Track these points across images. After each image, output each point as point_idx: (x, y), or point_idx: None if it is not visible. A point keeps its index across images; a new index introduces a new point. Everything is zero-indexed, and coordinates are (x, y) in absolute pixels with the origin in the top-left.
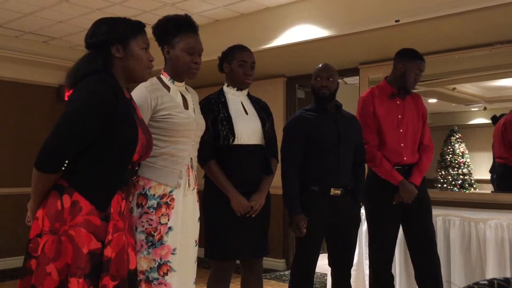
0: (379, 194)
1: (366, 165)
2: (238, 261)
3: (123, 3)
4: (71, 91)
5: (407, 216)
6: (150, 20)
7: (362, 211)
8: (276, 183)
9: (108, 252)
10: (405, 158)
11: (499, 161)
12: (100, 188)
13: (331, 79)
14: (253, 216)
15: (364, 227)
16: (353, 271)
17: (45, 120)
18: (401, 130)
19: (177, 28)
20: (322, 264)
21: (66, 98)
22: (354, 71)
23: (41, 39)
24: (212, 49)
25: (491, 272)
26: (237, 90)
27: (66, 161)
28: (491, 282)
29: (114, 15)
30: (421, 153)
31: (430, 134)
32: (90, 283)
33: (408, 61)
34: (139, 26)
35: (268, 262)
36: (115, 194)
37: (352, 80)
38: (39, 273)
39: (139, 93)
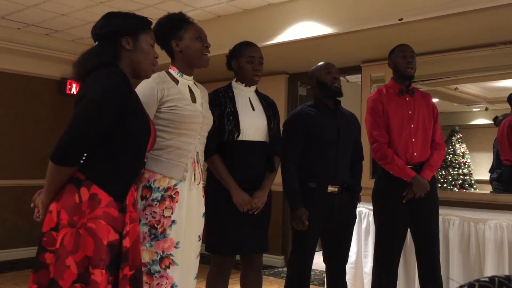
0: (390, 195)
1: (367, 164)
2: (238, 257)
3: None
4: (75, 82)
5: (415, 218)
6: (153, 14)
7: (359, 209)
8: (276, 180)
9: (127, 242)
10: (415, 154)
11: (507, 163)
12: (118, 179)
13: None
14: (255, 213)
15: (363, 224)
16: (351, 269)
17: (47, 113)
18: (412, 126)
19: (180, 21)
20: (320, 261)
21: (68, 91)
22: (356, 69)
23: (43, 32)
24: (214, 44)
25: (490, 272)
26: (246, 86)
27: (85, 154)
28: (492, 279)
29: (117, 9)
30: (432, 150)
31: (442, 132)
32: (110, 274)
33: (391, 54)
34: (148, 22)
35: (266, 258)
36: (132, 185)
37: (354, 78)
38: (58, 267)
39: (146, 84)
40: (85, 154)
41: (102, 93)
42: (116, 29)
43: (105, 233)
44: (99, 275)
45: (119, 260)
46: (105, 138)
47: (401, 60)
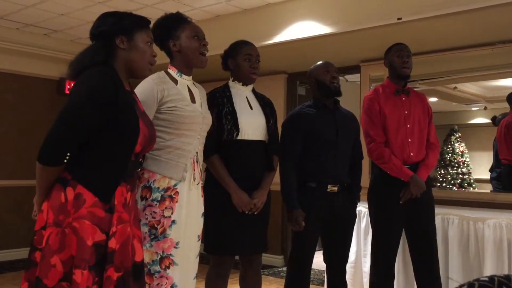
0: (386, 195)
1: (366, 164)
2: (237, 257)
3: None
4: (72, 83)
5: (411, 218)
6: (152, 14)
7: (359, 208)
8: (275, 179)
9: (113, 243)
10: (411, 154)
11: (505, 162)
12: (103, 180)
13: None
14: (255, 213)
15: (363, 224)
16: (350, 268)
17: (45, 113)
18: (408, 126)
19: (176, 21)
20: (320, 260)
21: (66, 91)
22: (355, 69)
23: (42, 32)
24: (213, 44)
25: (489, 271)
26: (243, 85)
27: (68, 154)
28: (491, 278)
29: (116, 9)
30: (427, 150)
31: (436, 132)
32: (95, 274)
33: (387, 54)
34: (144, 21)
35: (266, 258)
36: (118, 185)
37: (353, 77)
38: (43, 265)
39: (145, 85)
40: (68, 154)
41: (85, 93)
42: (110, 28)
43: (90, 233)
44: (79, 275)
45: (105, 260)
46: (91, 137)
47: (397, 59)
